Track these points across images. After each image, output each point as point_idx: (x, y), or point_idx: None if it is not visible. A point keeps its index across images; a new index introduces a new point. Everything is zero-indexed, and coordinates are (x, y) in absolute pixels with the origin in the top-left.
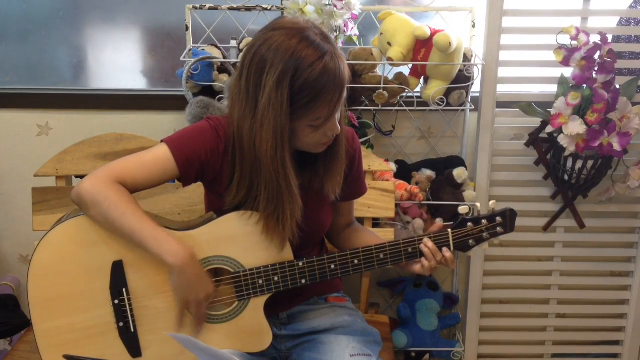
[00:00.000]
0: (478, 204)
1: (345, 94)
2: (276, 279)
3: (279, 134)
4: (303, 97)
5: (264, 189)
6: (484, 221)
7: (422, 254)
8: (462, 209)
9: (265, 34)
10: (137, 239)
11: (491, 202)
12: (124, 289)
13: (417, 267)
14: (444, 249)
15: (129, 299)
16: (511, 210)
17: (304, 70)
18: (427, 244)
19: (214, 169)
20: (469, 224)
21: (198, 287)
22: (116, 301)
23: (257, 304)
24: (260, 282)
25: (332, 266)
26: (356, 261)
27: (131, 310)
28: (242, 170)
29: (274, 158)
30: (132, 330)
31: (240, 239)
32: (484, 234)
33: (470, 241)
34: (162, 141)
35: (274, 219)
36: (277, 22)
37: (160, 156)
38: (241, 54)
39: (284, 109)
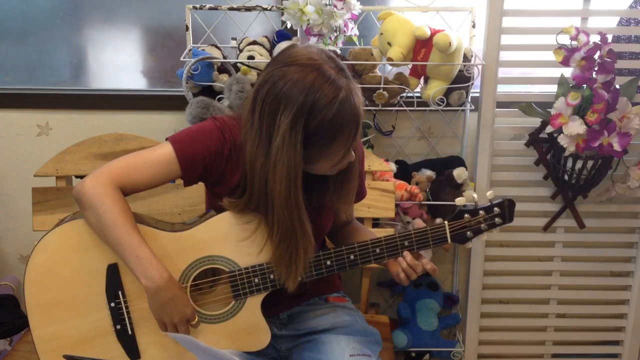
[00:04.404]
0: (475, 195)
1: (360, 127)
2: (272, 277)
3: (292, 175)
4: (318, 139)
5: (277, 228)
6: (481, 212)
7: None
8: (459, 201)
9: (279, 69)
10: (120, 252)
11: (489, 193)
12: (119, 292)
13: (396, 278)
14: (424, 260)
15: (125, 302)
16: (509, 201)
17: (319, 111)
18: (406, 258)
19: (217, 171)
20: (466, 215)
21: (172, 310)
22: (112, 304)
23: (254, 302)
24: (256, 280)
25: (328, 262)
26: (352, 257)
27: (128, 312)
28: (250, 198)
29: (287, 199)
30: (130, 333)
31: (234, 238)
32: (482, 225)
33: (468, 232)
34: (167, 139)
35: (287, 256)
36: (290, 55)
37: (164, 156)
38: (254, 86)
39: (297, 151)
